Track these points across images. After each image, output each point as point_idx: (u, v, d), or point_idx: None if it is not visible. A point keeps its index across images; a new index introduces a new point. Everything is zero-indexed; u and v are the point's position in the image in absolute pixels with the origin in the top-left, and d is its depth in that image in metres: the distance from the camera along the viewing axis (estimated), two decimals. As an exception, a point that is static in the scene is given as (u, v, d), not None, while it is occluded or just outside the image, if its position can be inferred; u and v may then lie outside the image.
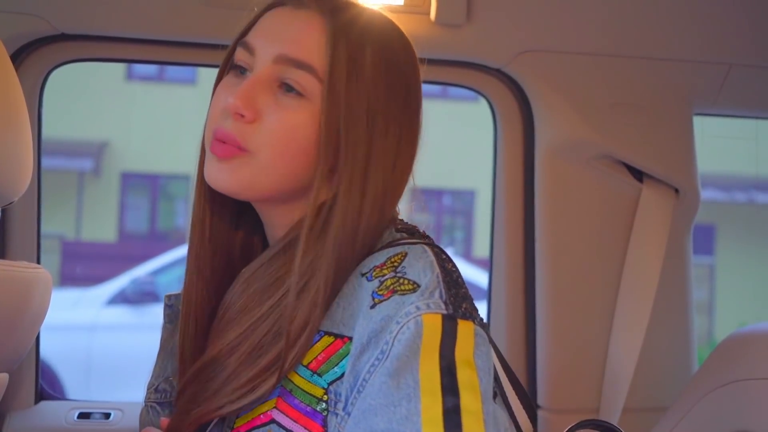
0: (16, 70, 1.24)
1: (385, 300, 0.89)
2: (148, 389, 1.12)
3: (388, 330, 0.86)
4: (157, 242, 9.71)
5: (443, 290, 0.89)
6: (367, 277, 0.93)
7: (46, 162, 1.75)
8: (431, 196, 10.46)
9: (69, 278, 9.06)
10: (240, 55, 1.00)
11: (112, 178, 10.21)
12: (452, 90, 9.09)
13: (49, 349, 5.07)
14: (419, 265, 0.92)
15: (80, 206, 10.19)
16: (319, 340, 0.93)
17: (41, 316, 1.21)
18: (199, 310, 1.05)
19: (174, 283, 6.01)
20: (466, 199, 10.75)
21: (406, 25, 1.67)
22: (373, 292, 0.90)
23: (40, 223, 1.72)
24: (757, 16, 1.71)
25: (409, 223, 1.06)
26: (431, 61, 1.76)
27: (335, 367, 0.91)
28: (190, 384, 0.99)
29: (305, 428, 0.90)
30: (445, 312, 0.87)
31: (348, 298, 0.94)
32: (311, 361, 0.92)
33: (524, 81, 1.75)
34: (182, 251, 6.19)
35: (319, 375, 0.91)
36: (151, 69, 9.72)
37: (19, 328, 1.13)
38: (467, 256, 9.98)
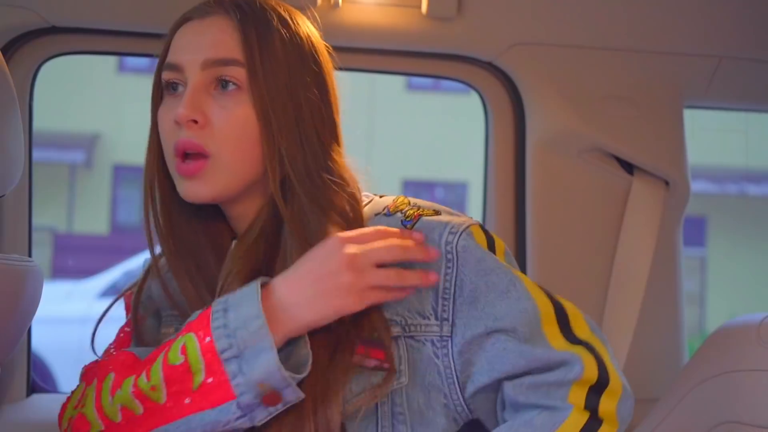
0: (7, 62, 1.24)
1: (414, 222, 1.05)
2: None
3: (430, 239, 1.02)
4: (149, 235, 9.65)
5: (454, 211, 1.08)
6: (384, 213, 1.08)
7: (37, 154, 1.74)
8: (423, 188, 10.47)
9: (61, 271, 9.04)
10: (168, 75, 1.07)
11: (104, 171, 10.18)
12: (444, 83, 9.07)
13: (40, 342, 5.05)
14: (422, 202, 1.09)
15: (72, 199, 10.17)
16: None
17: (33, 309, 1.21)
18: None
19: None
20: (458, 192, 10.76)
21: (397, 18, 1.69)
22: (401, 221, 1.05)
23: (31, 216, 1.72)
24: (747, 8, 1.71)
25: None
26: (423, 54, 1.79)
27: None
28: None
29: None
30: (477, 223, 1.07)
31: None
32: None
33: (515, 74, 1.75)
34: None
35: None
36: (142, 61, 9.66)
37: (10, 321, 1.13)
38: (459, 248, 9.97)
